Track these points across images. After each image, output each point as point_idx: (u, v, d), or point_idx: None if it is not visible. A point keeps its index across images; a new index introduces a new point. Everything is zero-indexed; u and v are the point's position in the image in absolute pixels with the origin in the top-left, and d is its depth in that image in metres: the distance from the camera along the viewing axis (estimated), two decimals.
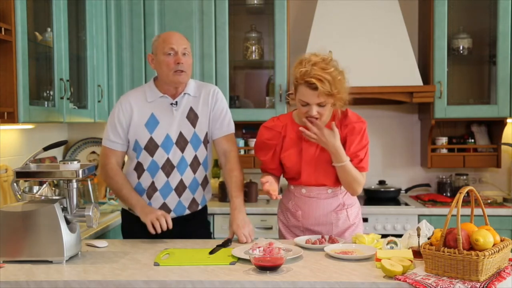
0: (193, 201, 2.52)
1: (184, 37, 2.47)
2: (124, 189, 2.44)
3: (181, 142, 2.45)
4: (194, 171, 2.49)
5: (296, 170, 2.43)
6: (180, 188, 2.47)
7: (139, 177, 2.48)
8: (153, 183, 2.46)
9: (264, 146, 2.46)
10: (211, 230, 3.03)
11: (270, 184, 2.28)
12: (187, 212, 2.51)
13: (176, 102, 2.46)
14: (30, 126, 3.21)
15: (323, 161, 2.38)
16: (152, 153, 2.43)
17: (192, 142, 2.46)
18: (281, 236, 2.56)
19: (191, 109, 2.48)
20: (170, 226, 2.32)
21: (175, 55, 2.38)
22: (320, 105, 2.26)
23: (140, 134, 2.44)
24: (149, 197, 2.47)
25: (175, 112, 2.45)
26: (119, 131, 2.45)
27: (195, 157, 2.48)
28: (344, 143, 2.36)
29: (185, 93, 2.48)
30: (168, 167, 2.44)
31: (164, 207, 2.47)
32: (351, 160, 2.34)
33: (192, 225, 2.55)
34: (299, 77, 2.27)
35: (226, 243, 2.27)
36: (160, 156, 2.43)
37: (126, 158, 2.58)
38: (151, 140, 2.43)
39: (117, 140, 2.47)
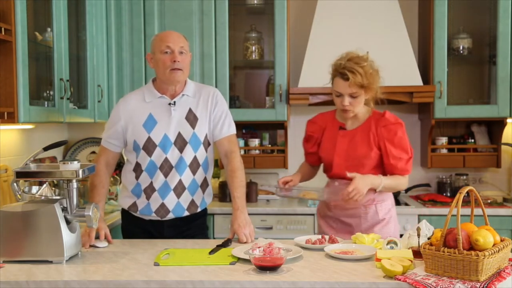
0: (192, 202, 2.52)
1: (182, 36, 2.48)
2: (93, 190, 2.48)
3: (180, 143, 2.45)
4: (194, 172, 2.49)
5: (329, 161, 2.60)
6: (179, 189, 2.47)
7: (137, 178, 2.48)
8: (151, 183, 2.46)
9: (308, 138, 2.70)
10: (209, 234, 3.04)
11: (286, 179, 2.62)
12: (186, 213, 2.51)
13: (174, 102, 2.46)
14: (30, 126, 3.21)
15: (353, 156, 2.54)
16: (150, 153, 2.44)
17: (192, 143, 2.46)
18: (318, 227, 2.72)
19: (190, 110, 2.48)
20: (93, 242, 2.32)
21: (171, 53, 2.40)
22: (352, 96, 2.44)
23: (138, 134, 2.44)
24: (148, 197, 2.48)
25: (173, 112, 2.45)
26: (115, 132, 2.49)
27: (195, 158, 2.48)
28: (382, 146, 2.50)
29: (183, 94, 2.48)
30: (166, 167, 2.44)
31: (163, 208, 2.47)
32: (395, 165, 2.49)
33: (190, 230, 2.55)
34: (334, 70, 2.48)
35: (226, 243, 2.27)
36: (158, 156, 2.44)
37: (125, 159, 2.59)
38: (149, 140, 2.43)
39: (112, 141, 2.51)
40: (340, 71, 2.42)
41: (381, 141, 2.50)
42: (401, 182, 2.53)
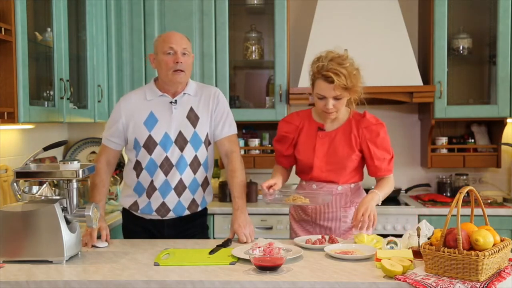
0: (193, 201, 2.52)
1: (185, 37, 2.48)
2: (94, 189, 2.48)
3: (181, 141, 2.45)
4: (194, 171, 2.49)
5: (308, 164, 2.49)
6: (180, 188, 2.47)
7: (138, 176, 2.49)
8: (152, 182, 2.46)
9: (282, 138, 2.56)
10: (210, 234, 3.03)
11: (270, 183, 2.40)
12: (187, 212, 2.52)
13: (176, 100, 2.47)
14: (30, 126, 3.21)
15: (334, 158, 2.46)
16: (150, 151, 2.44)
17: (192, 142, 2.46)
18: (292, 231, 2.61)
19: (191, 109, 2.48)
20: (94, 241, 2.31)
21: (174, 55, 2.40)
22: (336, 98, 2.34)
23: (139, 132, 2.45)
24: (149, 196, 2.48)
25: (174, 110, 2.46)
26: (115, 130, 2.49)
27: (195, 157, 2.48)
28: (365, 148, 2.45)
29: (185, 93, 2.49)
30: (167, 166, 2.45)
31: (164, 207, 2.48)
32: (379, 166, 2.45)
33: (191, 229, 2.55)
34: (316, 72, 2.36)
35: (226, 243, 2.28)
36: (158, 154, 2.44)
37: (126, 159, 2.59)
38: (149, 138, 2.43)
39: (113, 139, 2.51)
40: (323, 73, 2.30)
41: (363, 143, 2.44)
42: (390, 184, 2.50)
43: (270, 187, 2.40)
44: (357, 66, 2.38)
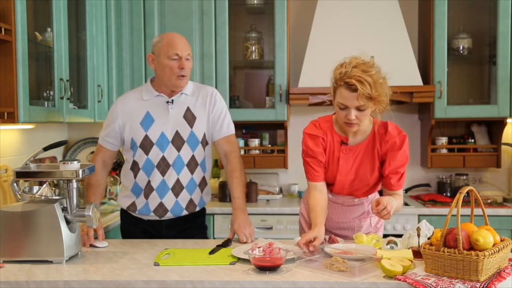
0: (191, 201, 2.52)
1: (187, 41, 2.47)
2: (89, 189, 2.49)
3: (177, 141, 2.45)
4: (192, 171, 2.49)
5: (330, 179, 2.37)
6: (177, 188, 2.47)
7: (135, 177, 2.49)
8: (149, 182, 2.46)
9: (313, 152, 2.34)
10: (209, 234, 3.03)
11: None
12: (185, 213, 2.51)
13: (172, 100, 2.47)
14: (30, 126, 3.21)
15: (358, 175, 2.33)
16: (147, 151, 2.44)
17: (189, 141, 2.46)
18: (301, 231, 2.56)
19: (188, 109, 2.48)
20: (91, 241, 2.32)
21: (179, 60, 2.39)
22: (359, 109, 2.15)
23: (136, 133, 2.45)
24: (146, 196, 2.48)
25: (171, 110, 2.46)
26: (111, 130, 2.50)
27: (193, 157, 2.48)
28: (384, 159, 2.30)
29: (181, 93, 2.49)
30: (163, 166, 2.45)
31: (161, 207, 2.47)
32: (390, 177, 2.29)
33: (189, 229, 2.55)
34: (338, 79, 2.15)
35: (226, 243, 2.28)
36: (155, 154, 2.44)
37: (125, 158, 2.60)
38: (146, 138, 2.44)
39: (109, 139, 2.52)
40: (346, 80, 2.10)
41: (384, 156, 2.30)
42: (400, 200, 2.31)
43: (309, 242, 2.11)
44: (384, 74, 2.16)
